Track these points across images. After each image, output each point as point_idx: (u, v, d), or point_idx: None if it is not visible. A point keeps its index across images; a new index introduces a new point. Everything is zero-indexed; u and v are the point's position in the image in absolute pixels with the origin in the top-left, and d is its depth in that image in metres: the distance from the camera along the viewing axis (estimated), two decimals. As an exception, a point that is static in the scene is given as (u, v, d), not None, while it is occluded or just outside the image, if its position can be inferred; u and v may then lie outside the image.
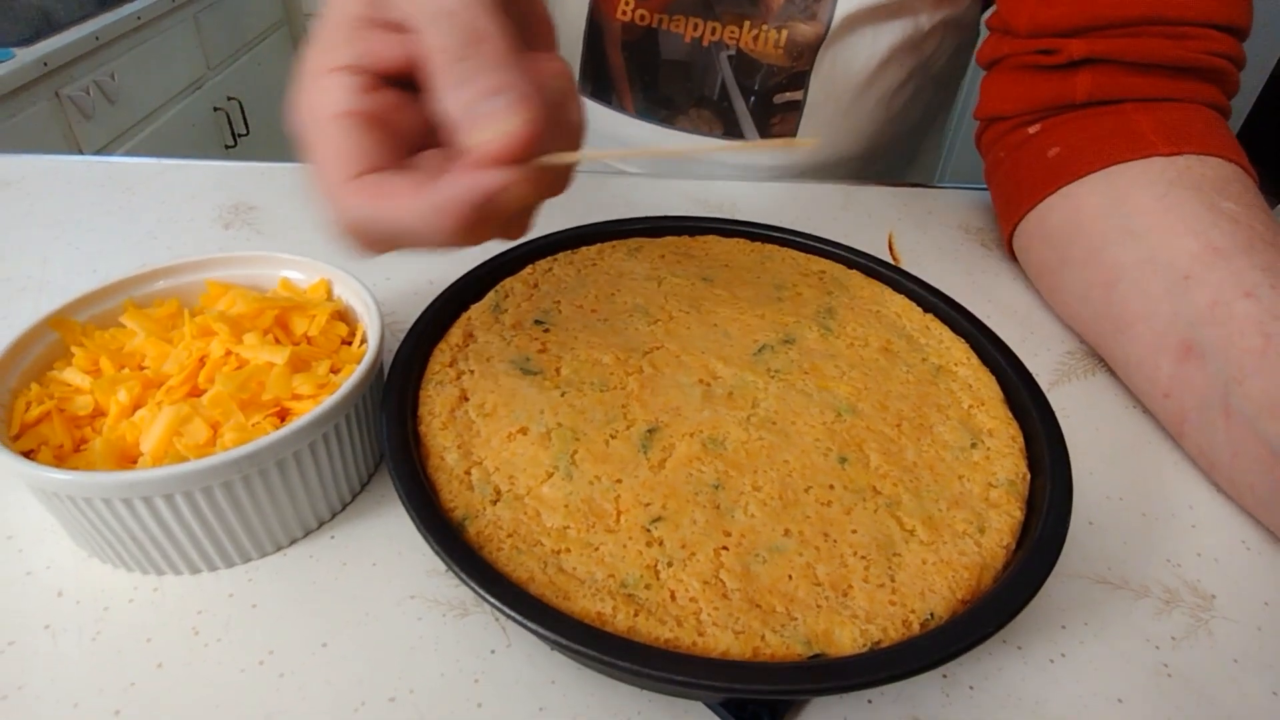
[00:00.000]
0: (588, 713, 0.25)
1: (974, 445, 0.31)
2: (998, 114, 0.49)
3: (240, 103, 1.84)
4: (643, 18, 0.57)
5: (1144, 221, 0.39)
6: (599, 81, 0.61)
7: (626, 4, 0.57)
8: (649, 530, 0.26)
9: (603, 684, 0.26)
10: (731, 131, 0.60)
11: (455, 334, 0.34)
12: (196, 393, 0.30)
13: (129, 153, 1.48)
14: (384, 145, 0.23)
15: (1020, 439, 0.31)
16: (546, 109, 0.22)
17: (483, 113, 0.21)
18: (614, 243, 0.41)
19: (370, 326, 0.32)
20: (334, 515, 0.31)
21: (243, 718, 0.25)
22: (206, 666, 0.26)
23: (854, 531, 0.27)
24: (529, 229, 0.27)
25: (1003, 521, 0.27)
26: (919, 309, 0.38)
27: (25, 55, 1.24)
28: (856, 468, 0.29)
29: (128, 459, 0.28)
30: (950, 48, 0.60)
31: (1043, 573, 0.25)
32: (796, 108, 0.58)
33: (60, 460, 0.27)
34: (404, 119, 0.24)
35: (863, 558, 0.26)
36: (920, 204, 0.58)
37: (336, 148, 0.22)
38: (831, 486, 0.28)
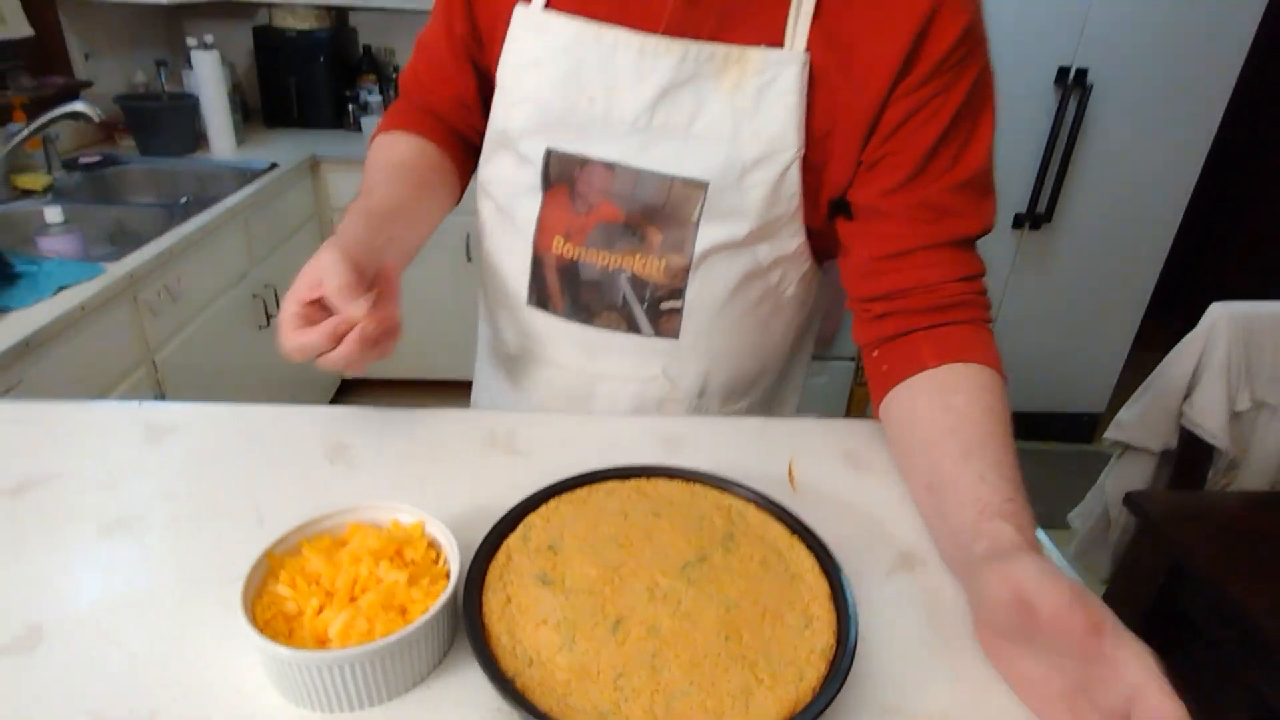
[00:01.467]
0: (581, 790, 0.46)
1: (806, 626, 0.52)
2: (860, 343, 0.78)
3: (275, 289, 2.13)
4: (568, 252, 0.82)
5: (919, 419, 0.67)
6: (540, 294, 0.86)
7: (558, 243, 0.83)
8: (615, 682, 0.47)
9: (589, 774, 0.47)
10: (633, 328, 0.84)
11: (500, 557, 0.56)
12: (354, 599, 0.51)
13: (183, 345, 1.74)
14: (307, 324, 0.63)
15: (834, 622, 0.53)
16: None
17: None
18: (597, 485, 0.64)
19: (451, 557, 0.54)
20: (429, 673, 0.52)
21: (389, 794, 0.45)
22: (365, 765, 0.46)
23: (730, 682, 0.48)
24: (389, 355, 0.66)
25: (814, 674, 0.49)
26: (788, 532, 0.61)
27: (115, 269, 1.52)
28: (734, 643, 0.50)
29: (320, 642, 0.49)
30: (794, 278, 0.85)
31: (825, 703, 0.46)
32: (678, 312, 0.83)
33: (284, 643, 0.48)
34: (320, 317, 0.63)
35: (732, 696, 0.47)
36: (815, 434, 0.82)
37: (286, 322, 0.63)
38: (719, 655, 0.50)
